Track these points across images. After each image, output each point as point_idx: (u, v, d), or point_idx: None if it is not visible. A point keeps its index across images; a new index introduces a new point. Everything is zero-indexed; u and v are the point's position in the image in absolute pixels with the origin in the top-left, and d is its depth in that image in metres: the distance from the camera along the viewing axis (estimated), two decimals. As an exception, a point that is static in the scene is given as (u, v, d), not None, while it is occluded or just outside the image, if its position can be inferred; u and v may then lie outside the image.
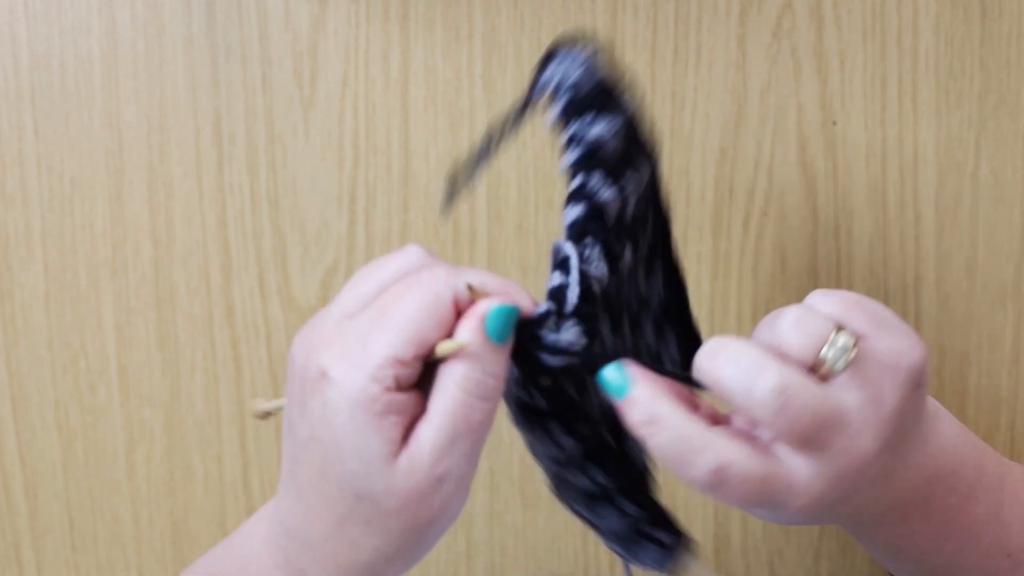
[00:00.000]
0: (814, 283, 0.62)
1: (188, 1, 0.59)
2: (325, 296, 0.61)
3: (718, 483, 0.36)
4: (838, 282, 0.61)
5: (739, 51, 0.60)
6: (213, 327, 0.62)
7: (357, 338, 0.35)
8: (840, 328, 0.38)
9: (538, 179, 0.61)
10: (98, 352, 0.62)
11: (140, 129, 0.60)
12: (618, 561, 0.65)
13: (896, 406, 0.38)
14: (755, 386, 0.36)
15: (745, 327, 0.62)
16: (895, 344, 0.38)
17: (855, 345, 0.37)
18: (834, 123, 0.61)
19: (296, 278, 0.61)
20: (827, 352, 0.37)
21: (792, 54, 0.60)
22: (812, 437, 0.36)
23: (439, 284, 0.36)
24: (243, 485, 0.63)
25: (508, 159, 0.60)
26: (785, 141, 0.61)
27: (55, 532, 0.64)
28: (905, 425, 0.39)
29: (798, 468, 0.37)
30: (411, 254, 0.38)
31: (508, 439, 0.63)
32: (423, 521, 0.35)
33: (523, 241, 0.61)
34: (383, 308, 0.35)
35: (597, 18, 0.59)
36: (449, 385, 0.34)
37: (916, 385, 0.39)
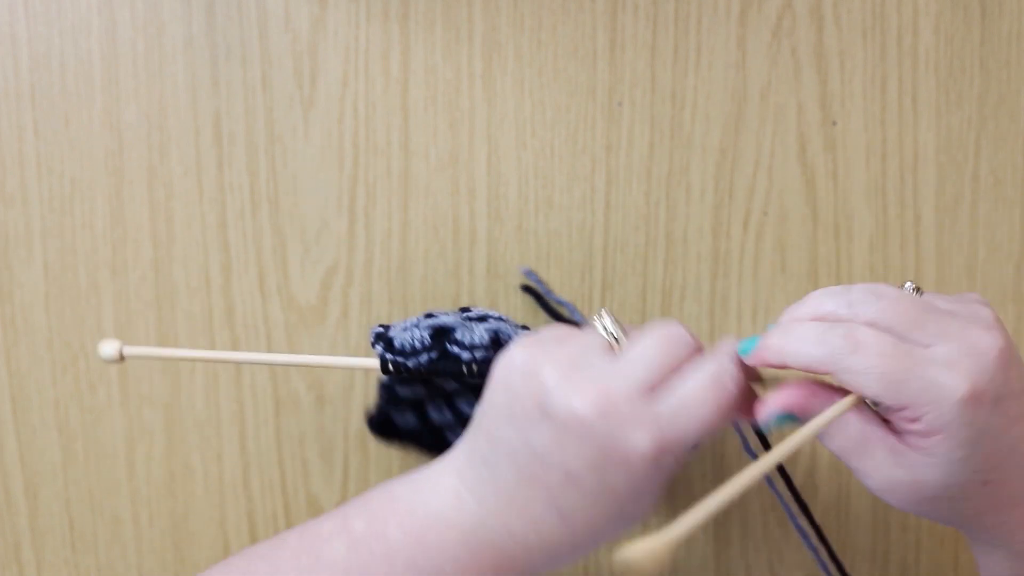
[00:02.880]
0: (814, 283, 0.62)
1: (188, 1, 0.59)
2: (325, 296, 0.61)
3: (854, 345, 0.40)
4: (838, 282, 0.61)
5: (739, 51, 0.60)
6: (213, 327, 0.62)
7: (672, 424, 0.40)
8: (901, 286, 0.44)
9: (538, 179, 0.61)
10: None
11: (140, 129, 0.60)
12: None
13: (990, 314, 0.42)
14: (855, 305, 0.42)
15: (745, 327, 0.62)
16: (957, 295, 0.45)
17: (917, 288, 0.44)
18: (834, 123, 0.61)
19: (296, 278, 0.61)
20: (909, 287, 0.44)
21: (792, 54, 0.60)
22: (924, 322, 0.41)
23: (732, 389, 0.42)
24: (243, 485, 0.63)
25: (508, 160, 0.60)
26: (785, 141, 0.61)
27: (55, 532, 0.64)
28: (1012, 343, 0.42)
29: (929, 347, 0.40)
30: (685, 336, 0.43)
31: (508, 439, 0.63)
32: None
33: (523, 241, 0.61)
34: (699, 399, 0.41)
35: (597, 18, 0.59)
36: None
37: (998, 320, 0.43)
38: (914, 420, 0.40)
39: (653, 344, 0.42)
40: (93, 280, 0.61)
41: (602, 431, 0.39)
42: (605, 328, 0.44)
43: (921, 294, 0.44)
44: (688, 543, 0.65)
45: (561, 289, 0.61)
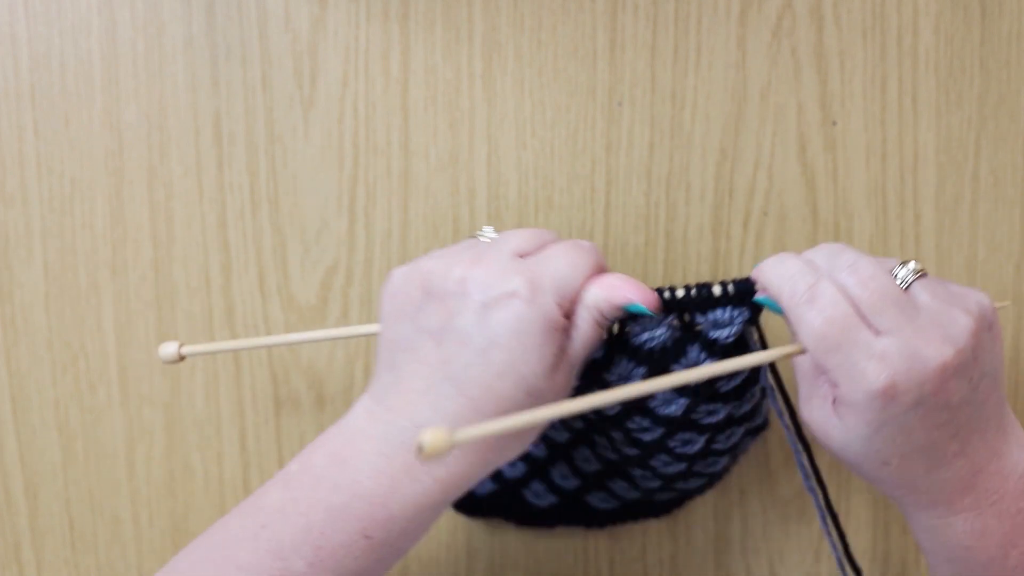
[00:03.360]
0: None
1: (188, 1, 0.59)
2: (325, 296, 0.61)
3: (811, 297, 0.43)
4: (785, 391, 0.61)
5: (739, 51, 0.60)
6: (213, 327, 0.62)
7: (542, 272, 0.44)
8: (906, 262, 0.45)
9: (538, 179, 0.61)
10: (98, 352, 0.62)
11: (140, 129, 0.60)
12: (618, 562, 0.65)
13: (968, 330, 0.43)
14: (837, 264, 0.45)
15: (745, 327, 0.62)
16: (960, 288, 0.46)
17: (921, 271, 0.45)
18: (834, 123, 0.61)
19: (296, 278, 0.61)
20: (898, 270, 0.45)
21: (792, 54, 0.60)
22: (884, 310, 0.43)
23: (599, 255, 0.47)
24: (243, 485, 0.63)
25: (508, 160, 0.60)
26: (785, 141, 0.61)
27: (55, 532, 0.64)
28: (979, 358, 0.43)
29: (878, 334, 0.43)
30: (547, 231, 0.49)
31: (508, 439, 0.63)
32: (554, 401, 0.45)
33: (523, 241, 0.61)
34: (563, 256, 0.45)
35: (597, 18, 0.59)
36: (588, 319, 0.45)
37: (987, 324, 0.45)
38: (834, 385, 0.43)
39: (527, 230, 0.48)
40: (93, 280, 0.61)
41: (481, 284, 0.43)
42: (488, 238, 0.48)
43: (922, 276, 0.45)
44: (688, 543, 0.65)
45: (561, 289, 0.61)
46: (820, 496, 0.55)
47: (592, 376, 0.49)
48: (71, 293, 0.61)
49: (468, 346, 0.43)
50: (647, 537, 0.65)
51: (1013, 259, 0.63)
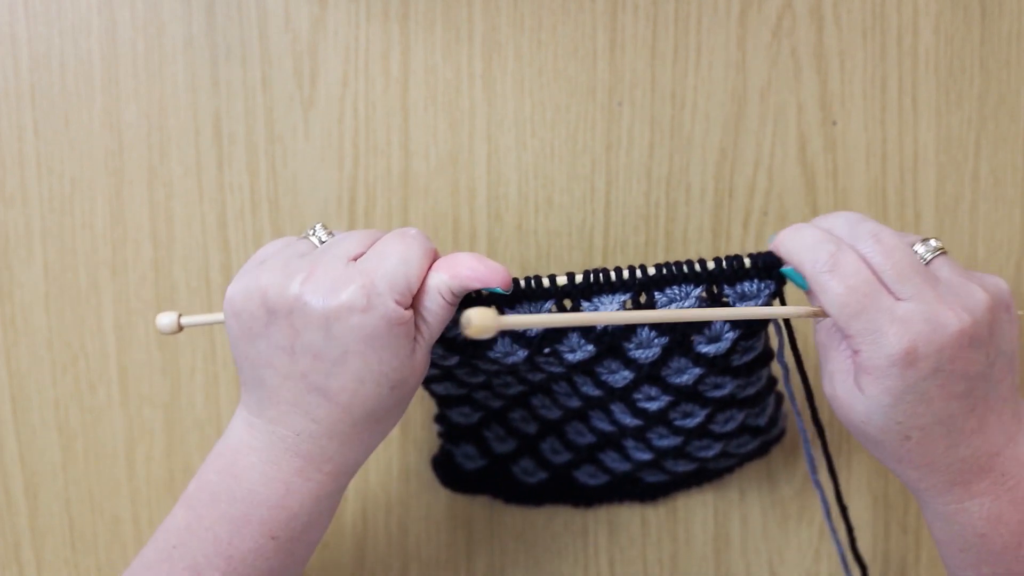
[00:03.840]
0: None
1: (188, 1, 0.59)
2: (325, 296, 0.61)
3: (833, 265, 0.44)
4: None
5: (739, 51, 0.60)
6: (213, 327, 0.62)
7: (375, 273, 0.44)
8: (927, 239, 0.46)
9: (538, 179, 0.61)
10: (98, 352, 0.62)
11: (140, 129, 0.60)
12: (618, 562, 0.65)
13: (984, 303, 0.44)
14: (857, 233, 0.46)
15: (745, 327, 0.62)
16: (979, 273, 0.47)
17: (942, 248, 0.46)
18: (834, 123, 0.61)
19: (296, 278, 0.61)
20: (918, 247, 0.46)
21: (792, 54, 0.60)
22: (907, 278, 0.44)
23: (426, 239, 0.47)
24: (243, 485, 0.63)
25: (508, 160, 0.60)
26: (785, 141, 0.61)
27: (55, 532, 0.64)
28: (995, 335, 0.45)
29: (899, 299, 0.44)
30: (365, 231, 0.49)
31: (508, 439, 0.63)
32: (418, 383, 0.48)
33: (523, 241, 0.61)
34: (393, 253, 0.45)
35: (597, 18, 0.59)
36: (437, 302, 0.46)
37: (1005, 304, 0.46)
38: (856, 353, 0.44)
39: (358, 232, 0.48)
40: (93, 280, 0.61)
41: (319, 299, 0.44)
42: (319, 239, 0.48)
43: (942, 254, 0.46)
44: (688, 543, 0.65)
45: (561, 289, 0.61)
46: (832, 488, 0.56)
47: (608, 341, 0.50)
48: (71, 293, 0.61)
49: (323, 359, 0.45)
50: (647, 537, 0.65)
51: (1013, 259, 0.63)
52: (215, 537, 0.46)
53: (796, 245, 0.46)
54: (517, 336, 0.49)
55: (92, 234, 0.61)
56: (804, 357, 0.54)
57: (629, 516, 0.65)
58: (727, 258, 0.48)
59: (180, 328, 0.50)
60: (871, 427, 0.45)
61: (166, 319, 0.49)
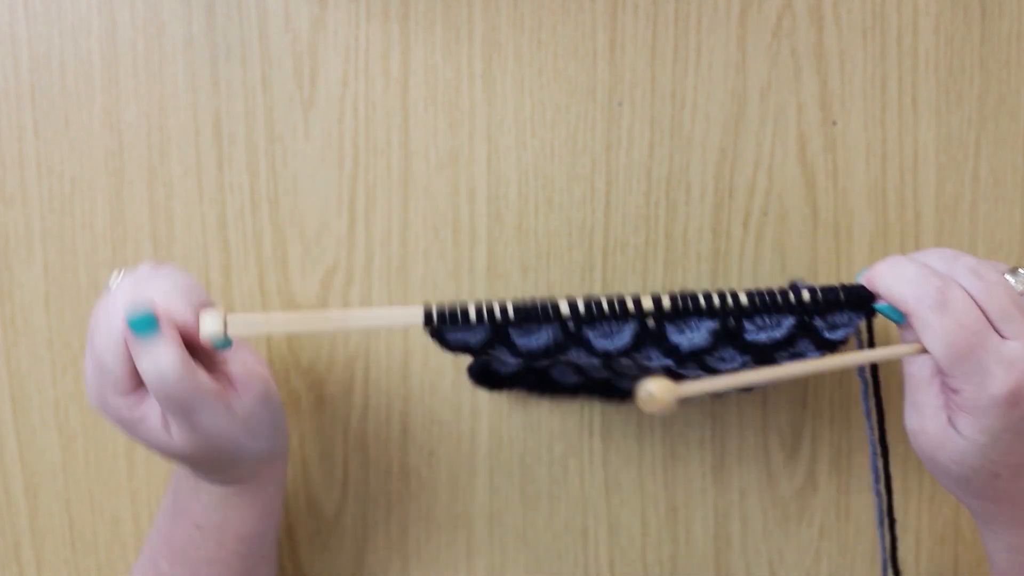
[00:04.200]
0: (814, 283, 0.62)
1: (188, 1, 0.59)
2: (325, 296, 0.61)
3: (942, 303, 0.43)
4: (838, 282, 0.61)
5: (739, 51, 0.60)
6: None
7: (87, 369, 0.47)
8: (1016, 268, 0.46)
9: (538, 179, 0.61)
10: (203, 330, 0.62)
11: (140, 129, 0.60)
12: (618, 562, 0.65)
13: None
14: (955, 268, 0.45)
15: (745, 327, 0.62)
16: None
17: None
18: (834, 123, 0.61)
19: (296, 278, 0.61)
20: (1008, 278, 0.45)
21: (792, 54, 0.60)
22: (1012, 316, 0.43)
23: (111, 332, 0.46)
24: (243, 485, 0.63)
25: (508, 160, 0.60)
26: (785, 141, 0.61)
27: (55, 532, 0.64)
28: None
29: (1005, 338, 0.43)
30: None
31: (507, 439, 0.63)
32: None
33: (523, 241, 0.61)
34: (89, 356, 0.47)
35: (597, 18, 0.59)
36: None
37: None
38: (956, 392, 0.43)
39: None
40: (93, 280, 0.61)
41: (105, 407, 0.46)
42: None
43: None
44: (688, 543, 0.65)
45: (561, 289, 0.61)
46: (884, 501, 0.55)
47: (686, 356, 0.48)
48: (71, 293, 0.61)
49: (153, 431, 0.47)
50: (647, 537, 0.65)
51: (1013, 259, 0.63)
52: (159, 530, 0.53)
53: (898, 280, 0.45)
54: (593, 351, 0.47)
55: (92, 234, 0.61)
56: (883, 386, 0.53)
57: (629, 516, 0.65)
58: (822, 289, 0.47)
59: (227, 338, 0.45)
60: (962, 466, 0.44)
61: (211, 324, 0.44)
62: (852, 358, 0.45)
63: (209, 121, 0.60)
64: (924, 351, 0.44)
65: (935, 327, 0.43)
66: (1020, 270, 0.46)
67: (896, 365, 0.59)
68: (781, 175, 0.61)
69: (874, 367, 0.52)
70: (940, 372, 0.44)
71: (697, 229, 0.61)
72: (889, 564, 0.56)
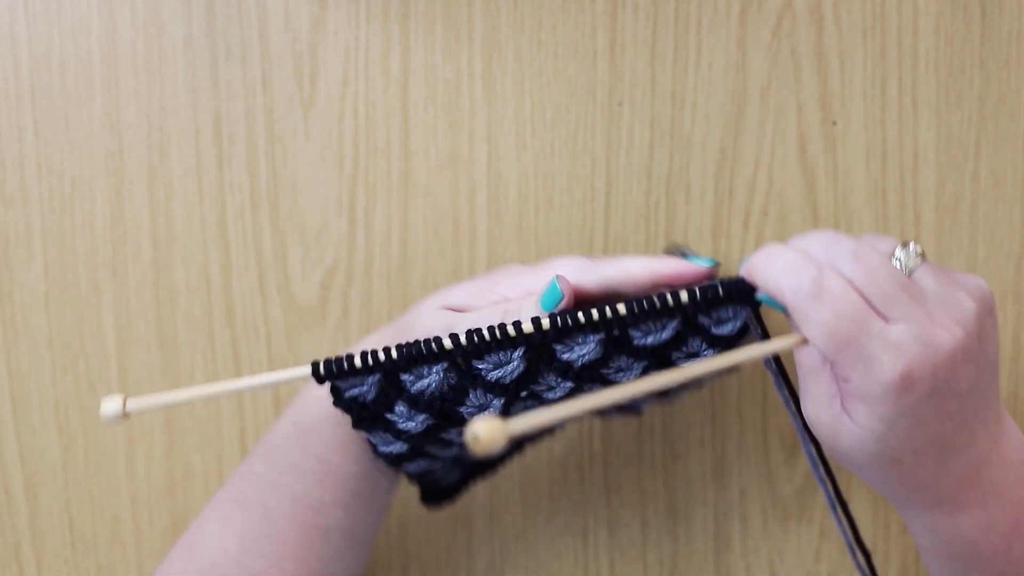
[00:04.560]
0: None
1: (188, 1, 0.59)
2: (325, 296, 0.61)
3: (817, 292, 0.41)
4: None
5: (739, 51, 0.60)
6: (213, 327, 0.62)
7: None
8: (907, 243, 0.44)
9: (538, 179, 0.61)
10: (98, 352, 0.62)
11: (140, 129, 0.60)
12: (618, 562, 0.65)
13: (973, 313, 0.42)
14: (836, 254, 0.43)
15: (745, 327, 0.62)
16: (958, 273, 0.45)
17: (923, 254, 0.44)
18: (834, 123, 0.61)
19: (296, 278, 0.61)
20: (899, 254, 0.44)
21: (792, 54, 0.60)
22: (894, 299, 0.41)
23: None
24: (243, 485, 0.63)
25: (508, 160, 0.60)
26: (785, 141, 0.61)
27: (55, 532, 0.64)
28: (983, 343, 0.42)
29: (889, 322, 0.41)
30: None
31: (508, 439, 0.63)
32: None
33: (523, 241, 0.61)
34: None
35: (597, 18, 0.59)
36: None
37: (988, 308, 0.43)
38: (845, 380, 0.42)
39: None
40: (93, 280, 0.61)
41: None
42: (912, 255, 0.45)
43: (924, 260, 0.44)
44: (688, 543, 0.65)
45: (561, 289, 0.61)
46: (829, 486, 0.54)
47: (582, 373, 0.48)
48: (71, 293, 0.61)
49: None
50: (647, 537, 0.65)
51: (1013, 259, 0.63)
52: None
53: (772, 271, 0.43)
54: (490, 386, 0.47)
55: (92, 234, 0.61)
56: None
57: (629, 516, 0.65)
58: (700, 288, 0.45)
59: (126, 415, 0.44)
60: (861, 454, 0.43)
61: (111, 405, 0.43)
62: (740, 354, 0.43)
63: (209, 121, 0.60)
64: (804, 343, 0.43)
65: (812, 318, 0.41)
66: (911, 244, 0.44)
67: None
68: (781, 175, 0.61)
69: (777, 356, 0.50)
70: (831, 363, 0.42)
71: (697, 229, 0.61)
72: (855, 546, 0.56)
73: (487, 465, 0.61)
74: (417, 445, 0.51)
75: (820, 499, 0.65)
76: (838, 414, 0.43)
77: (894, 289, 0.42)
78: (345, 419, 0.49)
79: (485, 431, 0.33)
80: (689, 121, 0.60)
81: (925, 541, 0.48)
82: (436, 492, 0.60)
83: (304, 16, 0.59)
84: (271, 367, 0.62)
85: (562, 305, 0.45)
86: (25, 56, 0.59)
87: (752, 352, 0.43)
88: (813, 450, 0.53)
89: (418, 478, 0.56)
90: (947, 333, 0.41)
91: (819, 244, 0.44)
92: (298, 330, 0.62)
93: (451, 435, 0.51)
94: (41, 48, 0.59)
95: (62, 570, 0.64)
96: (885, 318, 0.42)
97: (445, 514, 0.64)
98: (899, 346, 0.41)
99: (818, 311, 0.41)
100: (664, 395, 0.58)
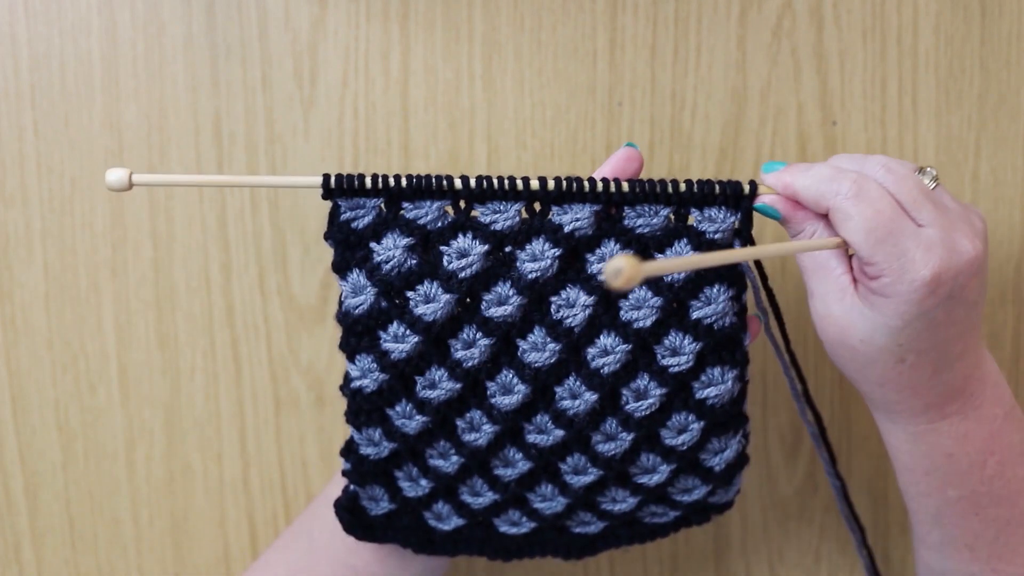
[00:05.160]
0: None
1: (188, 1, 0.59)
2: (325, 296, 0.61)
3: (858, 192, 0.44)
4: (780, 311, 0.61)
5: (739, 51, 0.60)
6: (213, 327, 0.62)
7: None
8: (923, 168, 0.47)
9: (538, 179, 0.61)
10: (98, 352, 0.62)
11: (140, 129, 0.60)
12: (618, 562, 0.65)
13: (984, 232, 0.46)
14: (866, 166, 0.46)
15: (745, 327, 0.62)
16: (966, 203, 0.48)
17: (937, 178, 0.47)
18: (834, 123, 0.61)
19: (296, 278, 0.61)
20: (919, 175, 0.46)
21: (792, 54, 0.60)
22: (922, 204, 0.44)
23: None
24: (243, 485, 0.63)
25: (508, 160, 0.60)
26: (785, 141, 0.61)
27: (55, 532, 0.64)
28: (987, 264, 0.47)
29: (920, 225, 0.44)
30: None
31: (508, 439, 0.63)
32: None
33: (523, 241, 0.61)
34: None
35: (597, 18, 0.59)
36: None
37: (985, 238, 0.47)
38: (874, 278, 0.44)
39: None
40: (93, 280, 0.61)
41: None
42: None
43: (937, 184, 0.47)
44: (688, 543, 0.65)
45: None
46: (815, 426, 0.56)
47: (573, 245, 0.48)
48: (71, 293, 0.61)
49: None
50: (647, 537, 0.65)
51: (1013, 259, 0.63)
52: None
53: (812, 179, 0.46)
54: (479, 228, 0.48)
55: (92, 234, 0.61)
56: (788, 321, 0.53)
57: (629, 516, 0.65)
58: (698, 182, 0.47)
59: (130, 186, 0.46)
60: (870, 346, 0.45)
61: (115, 175, 0.45)
62: (776, 248, 0.46)
63: (209, 121, 0.60)
64: (842, 246, 0.45)
65: (854, 215, 0.44)
66: (928, 169, 0.47)
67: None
68: (781, 175, 0.61)
69: (760, 266, 0.53)
70: (866, 263, 0.45)
71: (697, 229, 0.61)
72: (833, 474, 0.57)
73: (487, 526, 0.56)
74: (409, 443, 0.51)
75: (820, 499, 0.65)
76: (850, 307, 0.45)
77: (922, 196, 0.45)
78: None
79: (628, 264, 0.34)
80: (689, 121, 0.61)
81: (904, 455, 0.50)
82: (361, 518, 0.55)
83: (304, 16, 0.59)
84: (271, 367, 0.62)
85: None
86: (25, 56, 0.59)
87: (792, 248, 0.47)
88: (799, 388, 0.54)
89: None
90: (968, 242, 0.44)
91: (848, 160, 0.47)
92: (298, 330, 0.62)
93: (443, 443, 0.51)
94: (41, 48, 0.59)
95: (62, 570, 0.64)
96: (916, 222, 0.44)
97: (445, 514, 0.64)
98: (929, 247, 0.43)
99: (860, 208, 0.44)
100: None
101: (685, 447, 0.51)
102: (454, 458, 0.52)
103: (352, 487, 0.53)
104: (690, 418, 0.50)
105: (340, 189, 0.47)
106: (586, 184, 0.47)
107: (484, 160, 0.60)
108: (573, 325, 0.48)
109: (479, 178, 0.47)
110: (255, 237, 0.61)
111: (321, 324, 0.62)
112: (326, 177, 0.47)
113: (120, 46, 0.59)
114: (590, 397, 0.49)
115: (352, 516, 0.54)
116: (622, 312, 0.48)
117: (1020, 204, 0.62)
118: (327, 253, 0.61)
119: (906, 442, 0.49)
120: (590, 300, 0.48)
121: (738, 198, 0.48)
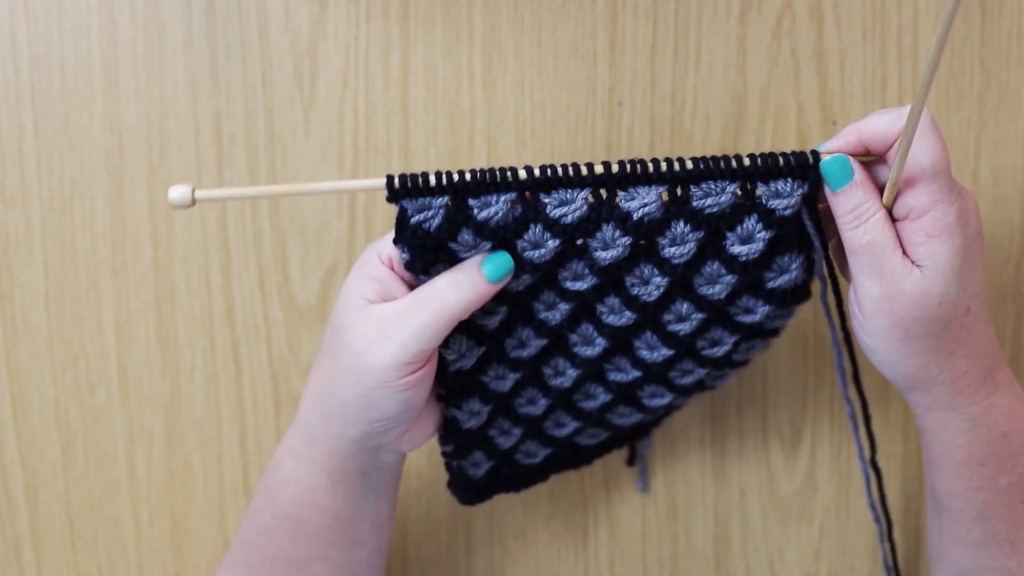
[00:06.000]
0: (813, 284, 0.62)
1: (188, 1, 0.59)
2: (325, 296, 0.61)
3: (932, 122, 0.46)
4: (837, 282, 0.61)
5: (739, 51, 0.60)
6: (213, 327, 0.62)
7: None
8: None
9: (538, 179, 0.61)
10: (98, 352, 0.62)
11: (140, 129, 0.60)
12: (618, 562, 0.65)
13: (976, 210, 0.48)
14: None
15: (745, 327, 0.62)
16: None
17: None
18: (834, 123, 0.61)
19: (296, 278, 0.61)
20: None
21: (792, 54, 0.60)
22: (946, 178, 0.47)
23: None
24: (243, 485, 0.63)
25: (508, 160, 0.60)
26: (785, 141, 0.61)
27: (55, 532, 0.64)
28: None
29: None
30: None
31: (508, 439, 0.63)
32: None
33: (523, 241, 0.61)
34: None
35: (597, 18, 0.60)
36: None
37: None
38: (927, 211, 0.46)
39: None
40: (93, 280, 0.61)
41: None
42: None
43: None
44: (688, 543, 0.65)
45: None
46: (859, 405, 0.56)
47: (644, 232, 0.49)
48: (71, 293, 0.61)
49: None
50: (647, 537, 0.65)
51: (1013, 259, 0.63)
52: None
53: (876, 119, 0.48)
54: (550, 223, 0.48)
55: (92, 234, 0.61)
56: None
57: (629, 516, 0.65)
58: (761, 155, 0.48)
59: (193, 202, 0.45)
60: (945, 301, 0.46)
61: (177, 192, 0.44)
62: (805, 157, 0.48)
63: (209, 121, 0.60)
64: (877, 157, 0.48)
65: (932, 138, 0.46)
66: None
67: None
68: (781, 175, 0.61)
69: (830, 266, 0.53)
70: (928, 196, 0.46)
71: (697, 229, 0.61)
72: (869, 465, 0.57)
73: (515, 465, 0.60)
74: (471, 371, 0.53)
75: (820, 499, 0.65)
76: (918, 276, 0.46)
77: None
78: (310, 475, 0.50)
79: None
80: (689, 121, 0.61)
81: (960, 450, 0.49)
82: (472, 488, 0.59)
83: (304, 16, 0.59)
84: (271, 367, 0.62)
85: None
86: (25, 56, 0.59)
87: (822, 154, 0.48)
88: (847, 362, 0.55)
89: (452, 455, 0.57)
90: (968, 192, 0.48)
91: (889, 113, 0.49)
92: (298, 330, 0.62)
93: (502, 366, 0.54)
94: (41, 48, 0.59)
95: (62, 570, 0.64)
96: None
97: (445, 514, 0.64)
98: (955, 184, 0.47)
99: (937, 133, 0.46)
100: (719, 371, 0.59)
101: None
102: (542, 401, 0.56)
103: (455, 463, 0.56)
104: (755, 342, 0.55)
105: (404, 189, 0.47)
106: (650, 165, 0.47)
107: (484, 160, 0.60)
108: (648, 300, 0.51)
109: (543, 167, 0.47)
110: (255, 237, 0.61)
111: (321, 324, 0.62)
112: (390, 178, 0.46)
113: (120, 46, 0.59)
114: (666, 352, 0.53)
115: (465, 489, 0.58)
116: (697, 289, 0.51)
117: (1020, 204, 0.62)
118: (327, 253, 0.61)
119: (965, 431, 0.49)
120: (663, 281, 0.50)
121: (804, 168, 0.48)
